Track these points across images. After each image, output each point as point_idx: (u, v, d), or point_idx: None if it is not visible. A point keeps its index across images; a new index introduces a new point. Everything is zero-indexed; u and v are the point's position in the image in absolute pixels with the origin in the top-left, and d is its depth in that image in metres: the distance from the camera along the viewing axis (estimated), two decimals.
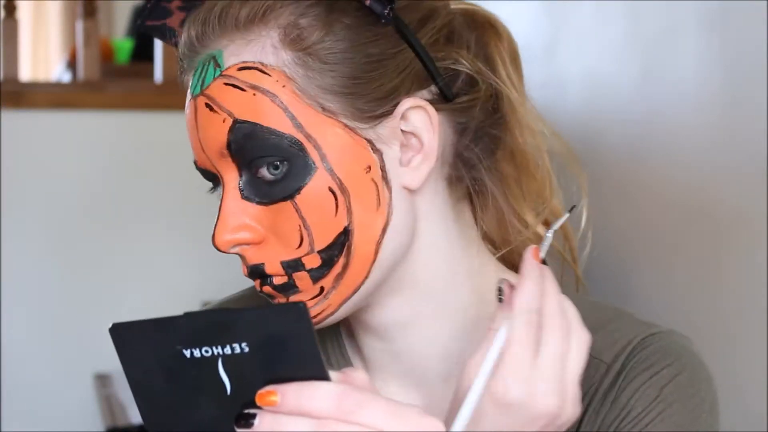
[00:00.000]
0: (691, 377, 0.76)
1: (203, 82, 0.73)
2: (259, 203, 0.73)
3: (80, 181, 2.85)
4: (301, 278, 0.73)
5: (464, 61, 0.77)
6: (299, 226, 0.72)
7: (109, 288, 2.87)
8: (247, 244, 0.74)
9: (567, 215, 0.72)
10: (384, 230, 0.74)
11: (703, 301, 1.76)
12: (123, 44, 3.82)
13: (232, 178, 0.73)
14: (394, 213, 0.74)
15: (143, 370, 0.58)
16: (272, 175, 0.71)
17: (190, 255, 2.92)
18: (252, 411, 0.57)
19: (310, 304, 0.74)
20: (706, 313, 1.74)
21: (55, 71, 4.64)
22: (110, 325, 0.57)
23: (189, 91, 0.75)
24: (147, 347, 0.57)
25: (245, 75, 0.72)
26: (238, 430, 0.57)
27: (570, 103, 2.17)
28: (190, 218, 2.92)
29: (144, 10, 0.80)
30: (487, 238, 0.84)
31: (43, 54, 5.90)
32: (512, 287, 0.69)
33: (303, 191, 0.71)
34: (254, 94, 0.71)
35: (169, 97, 2.95)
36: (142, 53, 3.67)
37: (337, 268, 0.73)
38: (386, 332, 0.79)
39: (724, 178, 1.71)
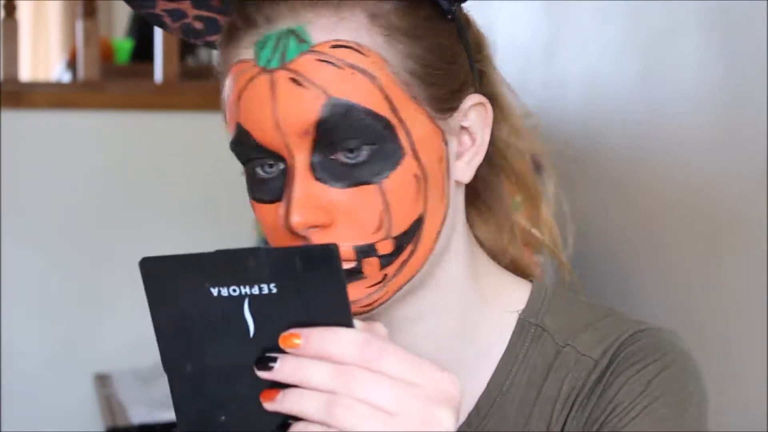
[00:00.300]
0: (678, 372, 0.76)
1: (283, 56, 0.69)
2: (333, 185, 0.70)
3: (80, 181, 2.85)
4: (371, 264, 0.72)
5: (487, 68, 0.80)
6: (381, 211, 0.71)
7: (109, 288, 2.87)
8: (320, 226, 0.71)
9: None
10: (443, 221, 0.75)
11: (703, 301, 1.77)
12: (123, 44, 3.82)
13: (303, 158, 0.70)
14: (450, 205, 0.75)
15: (167, 306, 0.57)
16: (349, 158, 0.70)
17: None
18: (274, 354, 0.57)
19: (369, 291, 0.73)
20: (706, 313, 1.74)
21: (55, 71, 4.64)
22: (140, 258, 0.57)
23: (257, 64, 0.70)
24: (174, 283, 0.57)
25: (341, 53, 0.69)
26: (258, 372, 0.57)
27: (570, 103, 2.17)
28: (189, 218, 2.92)
29: None
30: (478, 242, 0.85)
31: (43, 54, 5.90)
32: None
33: (391, 176, 0.70)
34: (352, 73, 0.69)
35: (169, 97, 2.96)
36: (142, 53, 3.67)
37: (404, 256, 0.73)
38: (393, 325, 0.78)
39: (724, 178, 1.71)
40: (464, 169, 0.77)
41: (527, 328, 0.81)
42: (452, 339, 0.80)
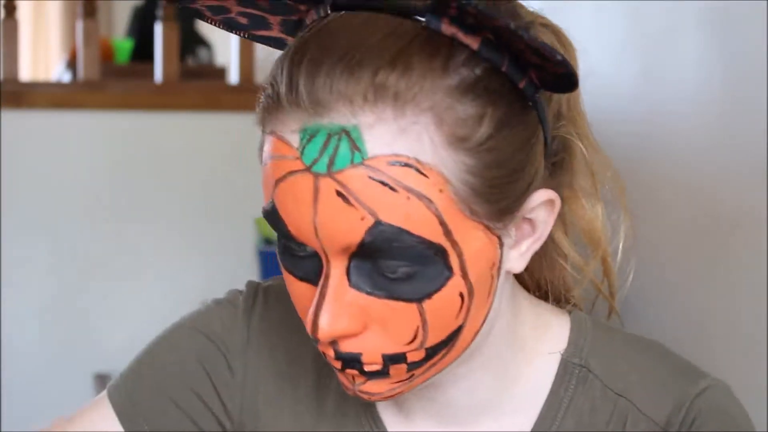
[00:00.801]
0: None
1: (332, 162, 0.61)
2: (369, 294, 0.65)
3: (80, 181, 2.85)
4: (398, 369, 0.68)
5: (565, 133, 0.73)
6: (418, 326, 0.65)
7: (109, 288, 2.87)
8: (349, 336, 0.66)
9: None
10: (485, 319, 0.69)
11: (703, 301, 1.76)
12: (123, 44, 3.82)
13: (340, 263, 0.64)
14: (495, 299, 0.70)
15: None
16: (393, 272, 0.64)
17: (189, 255, 2.92)
18: None
19: (393, 386, 0.69)
20: (706, 313, 1.74)
21: (55, 71, 4.64)
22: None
23: (300, 159, 0.63)
24: None
25: (398, 172, 0.61)
26: None
27: None
28: (189, 218, 2.92)
29: None
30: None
31: (43, 54, 5.90)
32: None
33: (434, 296, 0.64)
34: (408, 198, 0.61)
35: (169, 97, 2.95)
36: (142, 53, 3.67)
37: (435, 360, 0.68)
38: (432, 386, 0.74)
39: (724, 178, 1.71)
40: (518, 260, 0.70)
41: (570, 369, 0.77)
42: (491, 392, 0.76)
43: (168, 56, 2.99)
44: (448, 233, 0.63)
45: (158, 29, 3.02)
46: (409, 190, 0.62)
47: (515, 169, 0.65)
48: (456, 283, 0.65)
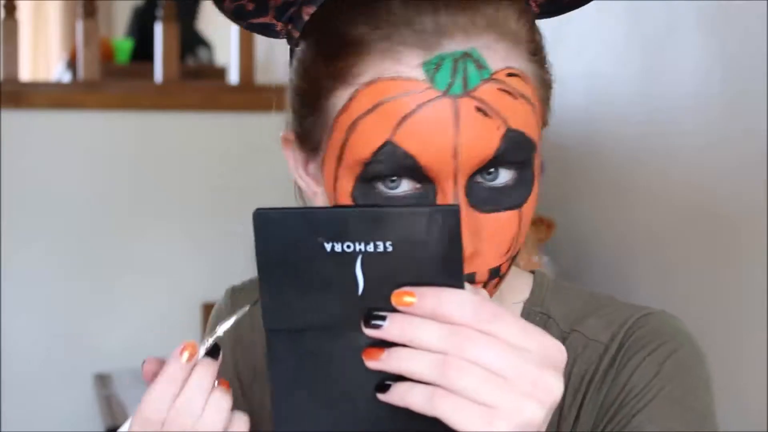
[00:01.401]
0: (687, 354, 0.78)
1: (465, 82, 0.68)
2: (484, 211, 0.70)
3: (80, 181, 2.85)
4: (492, 284, 0.72)
5: None
6: (515, 234, 0.71)
7: (109, 288, 2.87)
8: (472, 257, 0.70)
9: (244, 310, 0.69)
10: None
11: (703, 300, 1.76)
12: (123, 44, 3.82)
13: (448, 186, 0.69)
14: None
15: (276, 259, 0.57)
16: (496, 184, 0.70)
17: (189, 255, 2.92)
18: (382, 313, 0.56)
19: None
20: (706, 312, 1.74)
21: (55, 71, 4.64)
22: (255, 210, 0.56)
23: (434, 87, 0.68)
24: (287, 236, 0.56)
25: (514, 82, 0.69)
26: (365, 329, 0.56)
27: (570, 103, 2.17)
28: (189, 218, 2.92)
29: None
30: None
31: (43, 54, 5.90)
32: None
33: (528, 200, 0.71)
34: (522, 104, 0.69)
35: (169, 97, 2.95)
36: (142, 53, 3.67)
37: (505, 273, 0.73)
38: None
39: (724, 178, 1.71)
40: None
41: (533, 316, 0.82)
42: None
43: (168, 56, 2.99)
44: (539, 136, 0.72)
45: (158, 29, 3.02)
46: (522, 96, 0.70)
47: (551, 82, 0.75)
48: (536, 187, 0.72)
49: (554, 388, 0.56)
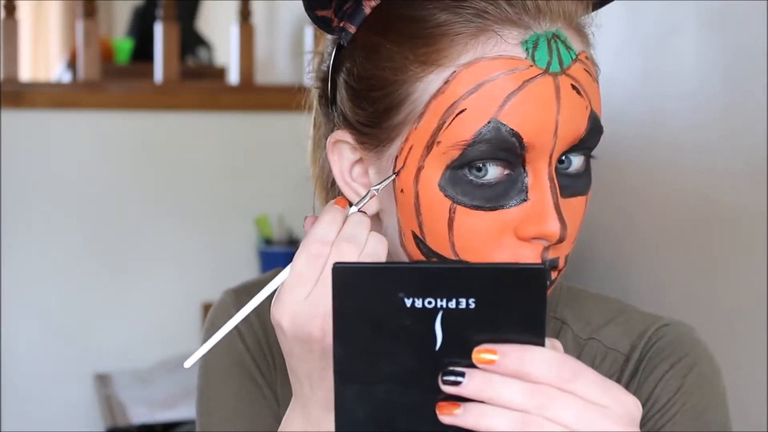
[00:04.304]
0: (707, 368, 0.79)
1: (560, 60, 0.70)
2: (565, 197, 0.71)
3: (80, 181, 2.85)
4: (560, 273, 0.74)
5: None
6: (581, 221, 0.73)
7: (109, 288, 2.87)
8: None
9: (392, 177, 0.72)
10: None
11: (703, 300, 1.76)
12: (123, 44, 3.82)
13: (542, 167, 0.70)
14: None
15: (353, 313, 0.57)
16: (570, 170, 0.72)
17: (189, 255, 2.92)
18: (461, 369, 0.56)
19: None
20: (706, 312, 1.74)
21: (55, 71, 4.64)
22: (333, 264, 0.56)
23: (536, 65, 0.69)
24: (366, 290, 0.56)
25: (590, 66, 0.73)
26: (443, 387, 0.56)
27: None
28: (189, 219, 2.92)
29: None
30: None
31: (43, 54, 5.90)
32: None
33: (591, 186, 0.73)
34: (597, 87, 0.73)
35: (169, 97, 2.95)
36: (142, 53, 3.67)
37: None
38: None
39: (724, 178, 1.71)
40: None
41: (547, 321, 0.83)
42: None
43: (168, 56, 2.99)
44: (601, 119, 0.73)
45: (158, 29, 3.02)
46: (596, 80, 0.73)
47: None
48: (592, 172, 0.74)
49: None
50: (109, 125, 2.88)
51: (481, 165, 0.69)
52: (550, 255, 0.71)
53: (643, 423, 0.76)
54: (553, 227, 0.69)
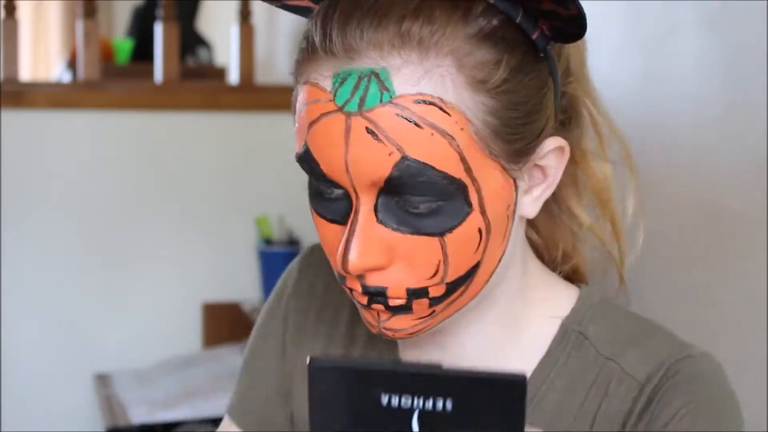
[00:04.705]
0: (723, 407, 0.77)
1: (363, 101, 0.67)
2: (395, 229, 0.70)
3: (80, 181, 2.85)
4: (420, 304, 0.72)
5: (573, 90, 0.79)
6: (440, 260, 0.70)
7: (109, 288, 2.87)
8: (376, 269, 0.71)
9: None
10: (500, 260, 0.74)
11: (703, 300, 1.76)
12: (123, 44, 3.82)
13: (368, 200, 0.69)
14: (509, 243, 0.75)
15: (330, 409, 0.57)
16: (414, 210, 0.69)
17: (189, 255, 2.92)
18: None
19: (416, 322, 0.74)
20: (706, 312, 1.74)
21: (55, 71, 4.64)
22: (308, 359, 0.57)
23: (333, 100, 0.68)
24: (342, 387, 0.57)
25: (423, 110, 0.67)
26: None
27: None
28: (189, 219, 2.92)
29: None
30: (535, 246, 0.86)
31: (43, 54, 5.90)
32: None
33: (455, 231, 0.69)
34: (432, 134, 0.67)
35: (169, 97, 2.95)
36: (142, 53, 3.67)
37: (455, 296, 0.73)
38: (444, 331, 0.80)
39: (724, 178, 1.71)
40: (531, 206, 0.76)
41: (569, 334, 0.80)
42: (496, 342, 0.81)
43: (168, 56, 2.99)
44: (468, 170, 0.68)
45: (158, 29, 3.02)
46: (433, 126, 0.67)
47: (529, 112, 0.71)
48: (475, 219, 0.69)
49: None
50: (109, 125, 2.88)
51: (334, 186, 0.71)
52: (372, 283, 0.71)
53: None
54: (350, 261, 0.69)
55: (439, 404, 0.55)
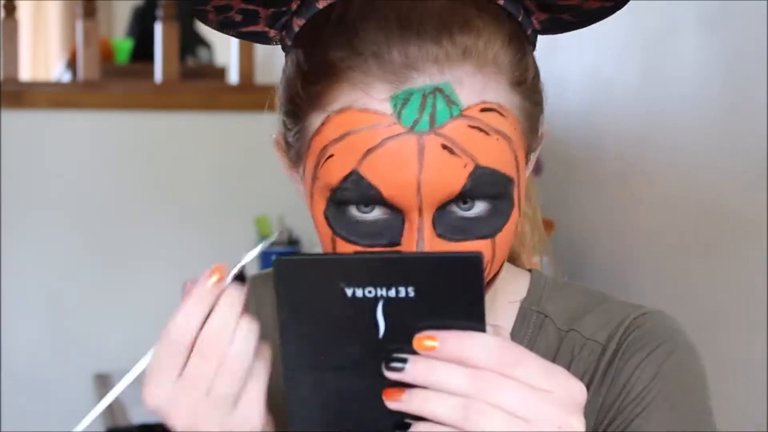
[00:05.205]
0: (684, 355, 0.78)
1: (433, 119, 0.66)
2: (451, 240, 0.69)
3: (80, 181, 2.85)
4: None
5: None
6: (488, 261, 0.71)
7: (109, 288, 2.87)
8: None
9: (265, 243, 0.70)
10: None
11: (703, 300, 1.77)
12: (123, 44, 3.82)
13: (429, 216, 0.69)
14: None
15: (297, 305, 0.58)
16: (469, 214, 0.69)
17: (189, 255, 2.92)
18: (404, 355, 0.56)
19: None
20: (706, 312, 1.74)
21: (55, 71, 4.64)
22: (275, 258, 0.57)
23: (399, 122, 0.66)
24: (308, 281, 0.57)
25: (488, 117, 0.68)
26: (386, 372, 0.56)
27: (570, 103, 2.17)
28: (189, 218, 2.92)
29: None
30: None
31: (43, 54, 5.90)
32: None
33: (503, 229, 0.70)
34: (497, 140, 0.68)
35: (169, 97, 2.95)
36: (142, 53, 3.67)
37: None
38: None
39: (724, 177, 1.71)
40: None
41: (529, 315, 0.83)
42: None
43: (168, 56, 2.99)
44: (518, 169, 0.70)
45: (158, 29, 3.02)
46: (497, 132, 0.68)
47: (542, 106, 0.74)
48: (514, 215, 0.71)
49: (577, 430, 0.56)
50: (109, 125, 2.88)
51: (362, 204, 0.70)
52: None
53: (619, 412, 0.76)
54: None
55: (402, 292, 0.56)
